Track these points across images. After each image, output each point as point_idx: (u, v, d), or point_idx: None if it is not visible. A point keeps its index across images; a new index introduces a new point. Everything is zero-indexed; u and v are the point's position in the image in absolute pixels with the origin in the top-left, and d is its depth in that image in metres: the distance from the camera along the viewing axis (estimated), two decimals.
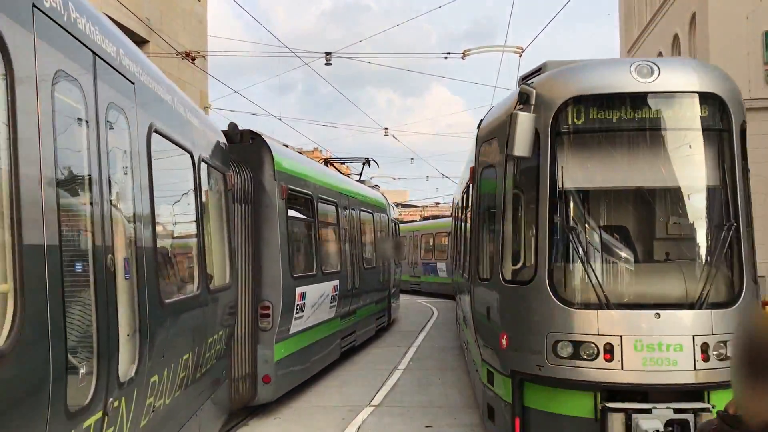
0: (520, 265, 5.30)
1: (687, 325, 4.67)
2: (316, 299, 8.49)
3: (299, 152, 10.68)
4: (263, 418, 7.25)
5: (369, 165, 15.19)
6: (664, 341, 4.60)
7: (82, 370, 2.98)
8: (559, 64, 5.46)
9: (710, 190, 5.11)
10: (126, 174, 3.66)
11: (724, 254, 4.89)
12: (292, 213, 7.72)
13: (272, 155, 7.21)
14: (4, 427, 2.32)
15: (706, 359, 4.61)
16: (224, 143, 6.18)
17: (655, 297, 4.84)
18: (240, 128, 7.24)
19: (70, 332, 2.90)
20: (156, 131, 4.05)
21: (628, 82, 4.89)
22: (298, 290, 7.66)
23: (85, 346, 3.07)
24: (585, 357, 4.73)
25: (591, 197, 5.28)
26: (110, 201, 3.34)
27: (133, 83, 3.72)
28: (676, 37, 21.38)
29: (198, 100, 16.69)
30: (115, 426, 3.29)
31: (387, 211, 15.17)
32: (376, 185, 16.25)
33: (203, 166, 5.16)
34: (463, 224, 9.79)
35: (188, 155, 4.79)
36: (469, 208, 7.72)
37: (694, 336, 4.62)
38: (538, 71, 5.63)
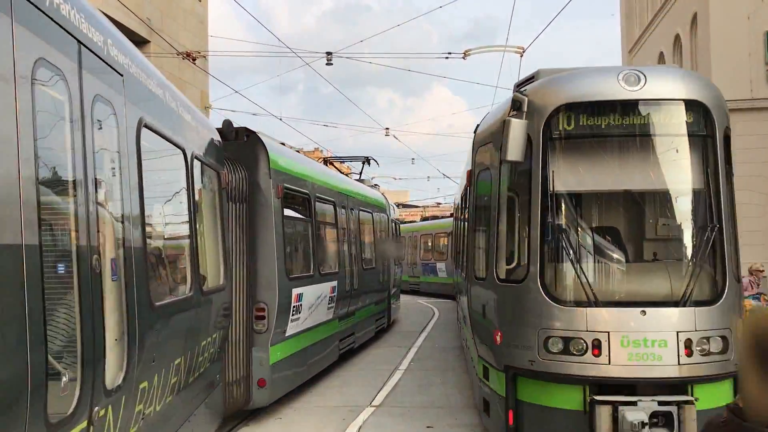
0: (513, 264, 5.51)
1: (671, 322, 4.89)
2: (314, 300, 8.33)
3: (298, 152, 10.52)
4: (264, 418, 7.19)
5: (369, 164, 15.06)
6: (649, 337, 4.83)
7: (64, 378, 2.82)
8: (551, 72, 5.65)
9: (694, 193, 5.35)
10: (114, 171, 3.50)
11: (707, 254, 5.11)
12: (288, 212, 7.55)
13: (267, 153, 7.04)
14: None
15: (689, 354, 4.84)
16: (218, 141, 6.01)
17: (641, 295, 5.09)
18: (235, 126, 7.07)
19: (52, 337, 2.73)
20: (146, 126, 3.88)
21: (616, 90, 5.13)
22: (295, 291, 7.50)
23: (69, 351, 2.90)
24: (574, 352, 4.96)
25: (581, 200, 5.51)
26: (96, 199, 3.17)
27: (121, 75, 3.56)
28: (677, 38, 21.28)
29: (199, 100, 16.62)
30: None
31: (387, 211, 15.01)
32: (376, 184, 16.10)
33: (196, 163, 4.99)
34: (462, 225, 9.88)
35: (180, 152, 4.62)
36: (467, 210, 7.93)
37: (678, 332, 4.85)
38: (531, 79, 5.80)
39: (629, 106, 5.16)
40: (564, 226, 5.27)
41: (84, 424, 2.93)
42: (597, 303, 4.99)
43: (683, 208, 5.45)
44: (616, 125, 5.20)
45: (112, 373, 3.33)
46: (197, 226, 4.98)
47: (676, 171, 5.32)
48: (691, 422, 4.74)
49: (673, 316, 4.93)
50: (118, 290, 3.47)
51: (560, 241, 5.21)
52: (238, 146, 6.90)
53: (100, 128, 3.28)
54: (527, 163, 5.24)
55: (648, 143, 5.28)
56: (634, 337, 4.85)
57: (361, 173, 15.38)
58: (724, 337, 4.97)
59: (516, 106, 5.31)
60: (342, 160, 16.52)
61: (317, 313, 8.56)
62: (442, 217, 27.57)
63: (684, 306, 4.94)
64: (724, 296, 5.02)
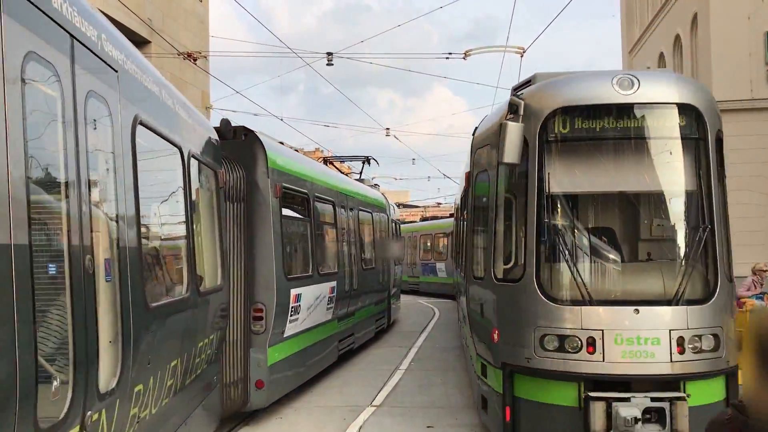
0: (511, 264, 5.62)
1: (664, 320, 5.00)
2: (312, 301, 8.25)
3: (296, 150, 10.44)
4: (264, 418, 7.15)
5: (369, 164, 14.99)
6: (642, 335, 4.94)
7: (55, 382, 2.74)
8: (548, 76, 5.79)
9: (686, 195, 5.45)
10: (108, 169, 3.42)
11: (699, 255, 5.23)
12: (286, 212, 7.47)
13: (265, 152, 6.96)
14: None
15: (681, 352, 4.94)
16: (216, 139, 5.93)
17: (634, 294, 5.19)
18: (233, 125, 6.99)
19: (43, 339, 2.66)
20: (141, 123, 3.81)
21: (610, 94, 5.25)
22: (293, 292, 7.42)
23: (60, 354, 2.83)
24: (569, 350, 5.07)
25: (576, 201, 5.63)
26: (90, 198, 3.10)
27: (116, 71, 3.48)
28: (677, 38, 21.23)
29: (200, 100, 16.61)
30: None
31: (387, 211, 14.94)
32: (376, 184, 16.03)
33: (193, 161, 4.92)
34: (462, 225, 9.91)
35: (177, 150, 4.54)
36: (466, 211, 8.10)
37: (670, 330, 4.95)
38: (528, 82, 5.93)
39: (623, 110, 5.28)
40: (559, 227, 5.40)
41: (76, 428, 2.85)
42: (591, 302, 5.11)
43: (676, 210, 5.56)
44: (611, 128, 5.32)
45: (106, 376, 3.25)
46: (194, 225, 4.91)
47: (669, 173, 5.45)
48: (683, 418, 4.83)
49: (665, 314, 5.03)
50: (113, 291, 3.39)
51: (556, 241, 5.35)
52: (235, 145, 6.82)
53: (94, 125, 3.21)
54: (524, 165, 5.36)
55: (641, 146, 5.39)
56: (628, 335, 4.95)
57: (361, 173, 15.31)
58: (715, 335, 5.06)
59: (513, 109, 5.43)
60: (342, 159, 16.45)
61: (316, 314, 8.48)
62: (442, 218, 27.72)
63: (676, 305, 5.05)
64: (715, 295, 5.11)
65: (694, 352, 4.99)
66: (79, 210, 2.95)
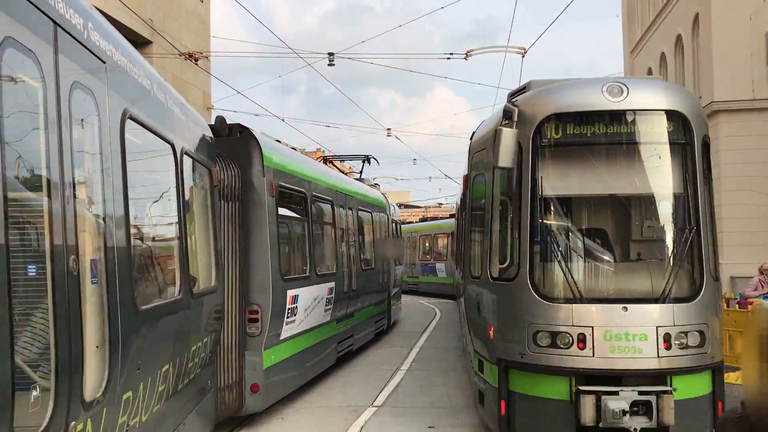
0: (506, 264, 5.82)
1: (651, 317, 5.22)
2: (310, 302, 8.09)
3: (294, 149, 10.28)
4: (265, 418, 7.08)
5: (369, 163, 14.85)
6: (630, 331, 5.17)
7: (35, 391, 2.58)
8: (542, 83, 6.05)
9: (673, 198, 5.70)
10: (94, 164, 3.26)
11: (685, 255, 5.48)
12: (283, 211, 7.30)
13: (261, 150, 6.79)
14: None
15: (668, 347, 5.17)
16: (210, 137, 5.76)
17: (623, 292, 5.43)
18: (228, 122, 6.83)
19: (21, 345, 2.50)
20: (131, 118, 3.65)
21: (600, 101, 5.50)
22: (290, 293, 7.26)
23: (41, 361, 2.66)
24: (561, 346, 5.29)
25: (567, 203, 5.87)
26: (74, 195, 2.93)
27: (104, 62, 3.32)
28: (679, 38, 21.12)
29: (201, 100, 16.54)
30: None
31: (387, 211, 14.79)
32: (376, 184, 15.89)
33: (186, 159, 4.75)
34: (461, 226, 10.00)
35: (169, 146, 4.38)
36: (465, 212, 8.31)
37: (657, 327, 5.18)
38: (523, 89, 6.18)
39: (612, 116, 5.51)
40: (552, 229, 5.67)
41: None
42: (582, 300, 5.33)
43: (663, 212, 5.80)
44: (601, 134, 5.56)
45: (92, 383, 3.09)
46: (187, 225, 4.74)
47: (657, 177, 5.67)
48: (668, 411, 5.04)
49: (653, 311, 5.25)
50: (99, 293, 3.23)
51: (548, 242, 5.60)
52: (231, 143, 6.66)
53: (79, 118, 3.05)
54: (518, 169, 5.59)
55: (630, 150, 5.63)
56: (617, 332, 5.18)
57: (361, 172, 15.17)
58: (701, 332, 5.28)
59: (507, 115, 5.66)
60: (342, 158, 16.32)
61: (314, 315, 8.32)
62: (441, 218, 27.85)
63: (663, 302, 5.27)
64: (701, 294, 5.34)
65: (681, 348, 5.21)
66: (63, 208, 2.79)
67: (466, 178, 7.57)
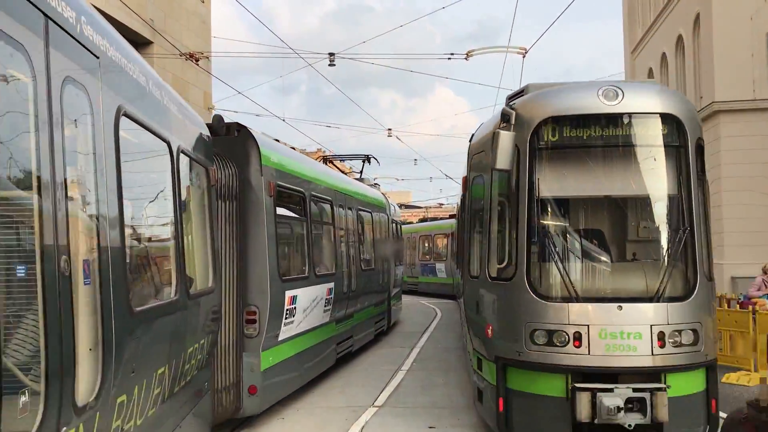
0: (504, 264, 5.93)
1: (645, 316, 5.33)
2: (309, 303, 8.01)
3: (294, 149, 10.19)
4: (266, 418, 7.06)
5: (369, 162, 14.79)
6: (625, 330, 5.28)
7: (24, 396, 2.49)
8: (539, 87, 6.19)
9: (667, 199, 5.82)
10: (88, 162, 3.17)
11: (679, 255, 5.57)
12: (281, 211, 7.21)
13: (259, 149, 6.71)
14: None
15: (662, 346, 5.27)
16: (207, 135, 5.68)
17: (618, 291, 5.57)
18: (226, 121, 6.75)
19: (9, 348, 2.42)
20: (126, 115, 3.56)
21: (596, 104, 5.61)
22: (288, 294, 7.17)
23: (31, 365, 2.58)
24: (557, 344, 5.40)
25: (564, 204, 5.99)
26: (66, 194, 2.85)
27: (97, 57, 3.24)
28: (680, 38, 21.05)
29: (202, 101, 16.51)
30: None
31: (387, 211, 14.71)
32: (376, 183, 15.81)
33: (183, 158, 4.67)
34: (462, 227, 9.94)
35: (165, 145, 4.30)
36: (464, 213, 8.45)
37: (651, 326, 5.29)
38: (521, 92, 6.31)
39: (608, 119, 5.62)
40: (548, 229, 5.79)
41: None
42: (578, 299, 5.45)
43: (658, 213, 5.92)
44: (596, 136, 5.67)
45: (85, 387, 3.00)
46: (183, 224, 4.66)
47: (651, 178, 5.78)
48: (662, 407, 5.16)
49: (647, 310, 5.36)
50: (92, 295, 3.15)
51: (545, 242, 5.72)
52: (228, 142, 6.58)
53: (72, 114, 2.96)
54: (515, 171, 5.70)
55: (625, 153, 5.75)
56: (612, 330, 5.29)
57: (361, 172, 15.09)
58: (695, 330, 5.38)
59: (505, 118, 5.79)
60: (342, 158, 16.25)
61: (313, 316, 8.24)
62: (441, 219, 27.96)
63: (657, 302, 5.38)
64: (695, 293, 5.45)
65: (674, 346, 5.32)
66: (54, 208, 2.71)
67: (466, 180, 7.71)
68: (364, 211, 12.07)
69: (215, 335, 5.74)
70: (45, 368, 2.60)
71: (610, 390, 5.19)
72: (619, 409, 5.11)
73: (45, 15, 2.69)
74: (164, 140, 4.28)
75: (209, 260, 5.38)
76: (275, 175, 7.07)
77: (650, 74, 24.20)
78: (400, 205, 23.69)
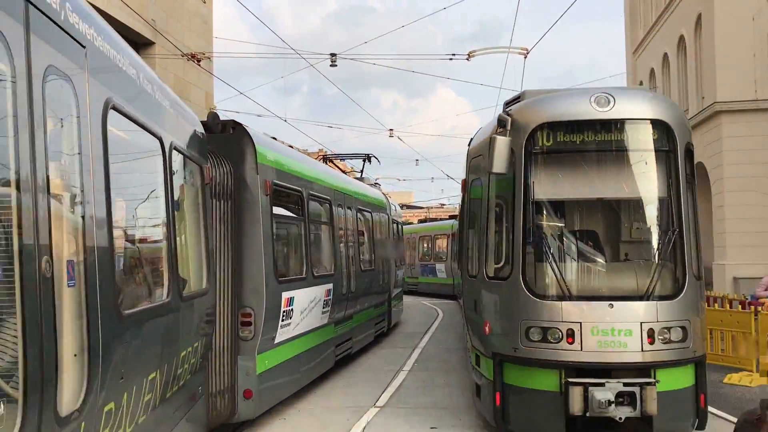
0: (501, 264, 6.16)
1: (636, 314, 5.54)
2: (306, 304, 7.85)
3: (291, 147, 10.04)
4: (267, 419, 7.01)
5: (369, 162, 14.64)
6: (616, 327, 5.49)
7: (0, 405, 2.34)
8: (535, 93, 6.46)
9: (656, 201, 6.06)
10: (73, 157, 3.01)
11: (668, 255, 5.81)
12: (277, 210, 7.04)
13: (254, 146, 6.53)
14: None
15: (651, 342, 5.50)
16: (201, 132, 5.51)
17: (609, 290, 5.80)
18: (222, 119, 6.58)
19: None
20: (114, 108, 3.40)
21: (588, 110, 5.84)
22: (285, 295, 7.01)
23: (8, 373, 2.42)
24: (551, 340, 5.62)
25: (558, 207, 6.24)
26: (48, 190, 2.69)
27: (84, 47, 3.07)
28: (681, 38, 20.93)
29: (203, 101, 16.43)
30: None
31: (387, 210, 14.55)
32: (377, 183, 15.66)
33: (175, 154, 4.50)
34: (462, 227, 10.02)
35: (157, 141, 4.13)
36: (463, 214, 8.71)
37: (641, 323, 5.50)
38: (518, 98, 6.58)
39: (599, 125, 5.86)
40: (543, 230, 6.02)
41: None
42: (571, 297, 5.67)
43: (648, 214, 6.18)
44: (589, 141, 5.91)
45: (69, 395, 2.84)
46: (176, 224, 4.49)
47: (642, 182, 6.03)
48: (651, 401, 5.37)
49: (637, 308, 5.58)
50: (77, 297, 2.98)
51: (540, 243, 5.94)
52: (223, 139, 6.41)
53: (54, 106, 2.80)
54: (511, 174, 5.93)
55: (616, 157, 6.01)
56: (603, 327, 5.50)
57: (362, 171, 14.94)
58: (683, 328, 5.60)
59: (501, 124, 6.02)
60: (342, 157, 16.12)
61: (310, 318, 8.08)
62: (441, 219, 28.01)
63: (647, 300, 5.61)
64: (683, 292, 5.66)
65: (664, 343, 5.53)
66: (35, 206, 2.54)
67: (465, 182, 7.97)
68: (364, 210, 11.91)
69: (209, 338, 5.58)
70: (23, 376, 2.44)
71: (602, 384, 5.40)
72: (610, 402, 5.32)
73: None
74: (156, 136, 4.11)
75: (203, 261, 5.21)
76: (272, 174, 6.91)
77: (652, 74, 24.08)
78: (402, 206, 23.69)
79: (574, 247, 6.10)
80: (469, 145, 7.71)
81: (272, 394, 6.97)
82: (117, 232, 3.54)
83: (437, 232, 25.34)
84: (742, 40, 17.81)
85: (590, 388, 5.40)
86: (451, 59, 13.69)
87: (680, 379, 5.65)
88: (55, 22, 2.78)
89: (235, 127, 6.60)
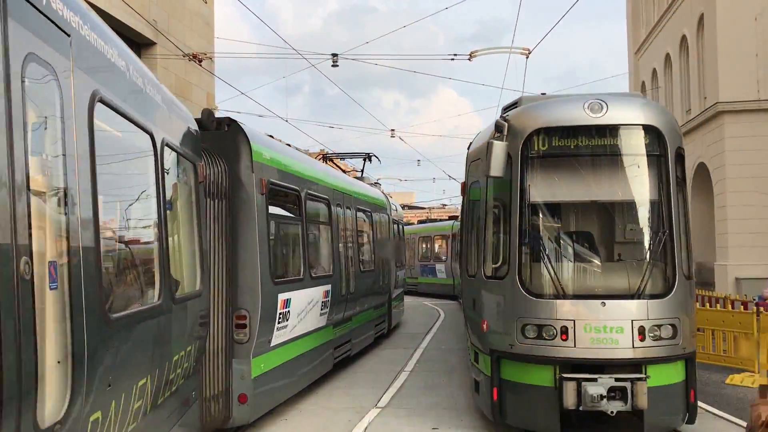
0: (498, 264, 6.36)
1: (627, 312, 5.75)
2: (304, 306, 7.68)
3: (289, 146, 9.86)
4: (268, 419, 7.00)
5: (370, 161, 14.48)
6: (608, 324, 5.70)
7: None
8: (531, 99, 6.78)
9: (648, 204, 6.27)
10: (56, 151, 2.84)
11: (659, 255, 6.02)
12: (273, 210, 6.88)
13: (249, 144, 6.37)
14: None
15: (642, 339, 5.70)
16: (195, 129, 5.33)
17: (601, 289, 6.02)
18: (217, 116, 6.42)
19: None
20: (102, 101, 3.23)
21: (582, 116, 6.08)
22: (281, 297, 6.84)
23: None
24: (546, 337, 5.82)
25: (553, 209, 6.44)
26: (28, 187, 2.52)
27: (68, 35, 2.91)
28: (683, 38, 20.81)
29: (205, 102, 16.36)
30: None
31: (387, 210, 14.38)
32: (377, 182, 15.50)
33: (167, 151, 4.33)
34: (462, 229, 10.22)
35: (148, 137, 3.96)
36: (463, 215, 9.03)
37: (632, 321, 5.71)
38: (515, 104, 6.85)
39: (592, 130, 6.10)
40: (538, 231, 6.25)
41: None
42: (565, 296, 5.90)
43: (639, 216, 6.41)
44: (583, 146, 6.14)
45: (51, 405, 2.67)
46: (168, 223, 4.32)
47: (633, 185, 6.25)
48: (642, 396, 5.57)
49: (629, 306, 5.78)
50: (60, 301, 2.81)
51: (535, 243, 6.17)
52: (218, 136, 6.25)
53: (35, 96, 2.64)
54: (508, 178, 6.14)
55: (609, 161, 6.24)
56: (596, 324, 5.71)
57: (362, 170, 14.78)
58: (673, 325, 5.79)
59: (499, 129, 6.23)
60: (342, 156, 15.97)
61: (308, 320, 7.92)
62: (440, 220, 28.10)
63: (638, 298, 5.82)
64: (673, 291, 5.87)
65: (654, 340, 5.72)
66: (12, 204, 2.38)
67: (464, 185, 8.27)
68: (363, 210, 11.74)
69: (203, 341, 5.41)
70: None
71: (594, 380, 5.61)
72: (602, 397, 5.54)
73: None
74: (147, 131, 3.94)
75: (197, 262, 5.04)
76: (267, 172, 6.74)
77: (654, 75, 23.95)
78: (404, 206, 23.62)
79: (568, 248, 6.33)
80: (468, 148, 7.99)
81: (268, 398, 6.80)
82: (104, 232, 3.37)
83: (437, 233, 25.44)
84: (745, 40, 17.71)
85: (583, 383, 5.60)
86: (452, 59, 13.61)
87: (670, 374, 5.85)
88: (35, 7, 2.61)
89: (230, 124, 6.44)
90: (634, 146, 6.16)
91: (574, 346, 5.71)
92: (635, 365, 5.71)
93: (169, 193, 4.43)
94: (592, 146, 6.14)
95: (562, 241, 6.35)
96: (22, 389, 2.39)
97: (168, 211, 4.36)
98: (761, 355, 8.98)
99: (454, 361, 10.68)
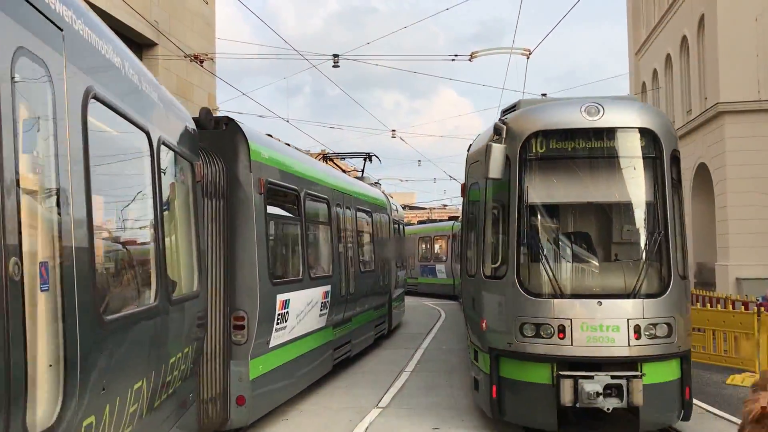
0: (497, 264, 6.47)
1: (623, 311, 5.85)
2: (303, 307, 7.61)
3: (288, 145, 9.79)
4: (269, 420, 6.99)
5: (370, 161, 14.44)
6: (604, 323, 5.80)
7: None
8: (530, 103, 6.97)
9: (644, 205, 6.38)
10: (47, 149, 2.77)
11: (654, 256, 6.12)
12: (272, 210, 6.80)
13: (247, 143, 6.30)
14: None
15: (638, 337, 5.80)
16: (193, 128, 5.25)
17: (598, 288, 6.12)
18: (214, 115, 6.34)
19: None
20: (96, 98, 3.16)
21: (578, 119, 6.20)
22: (280, 297, 6.76)
23: None
24: (544, 336, 5.92)
25: (550, 210, 6.56)
26: (18, 186, 2.45)
27: (61, 30, 2.83)
28: (684, 39, 20.76)
29: (206, 102, 16.32)
30: None
31: (388, 210, 14.31)
32: (377, 182, 15.43)
33: (164, 150, 4.25)
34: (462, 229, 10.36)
35: (144, 135, 3.89)
36: (463, 217, 9.19)
37: (628, 319, 5.81)
38: (513, 107, 7.05)
39: (589, 133, 6.21)
40: (536, 232, 6.39)
41: None
42: (562, 295, 6.00)
43: (635, 217, 6.52)
44: (580, 148, 6.26)
45: (42, 410, 2.59)
46: (165, 223, 4.24)
47: (629, 187, 6.36)
48: (637, 393, 5.68)
49: (625, 306, 5.88)
50: (52, 302, 2.73)
51: (533, 244, 6.29)
52: (215, 135, 6.18)
53: (26, 91, 2.56)
54: (507, 179, 6.24)
55: (605, 163, 6.36)
56: (592, 323, 5.81)
57: (363, 170, 14.72)
58: (668, 324, 5.88)
59: (497, 132, 6.33)
60: (342, 156, 15.91)
61: (307, 321, 7.84)
62: (440, 220, 28.12)
63: (634, 298, 5.92)
64: (668, 290, 5.97)
65: (649, 338, 5.82)
66: (1, 203, 2.30)
67: (464, 187, 8.42)
68: (363, 210, 11.67)
69: (201, 342, 5.34)
70: None
71: (591, 377, 5.71)
72: (598, 394, 5.65)
73: None
74: (143, 129, 3.87)
75: (194, 262, 4.97)
76: (266, 172, 6.67)
77: (655, 75, 23.91)
78: (404, 207, 23.59)
79: (565, 248, 6.46)
80: (468, 150, 8.15)
81: (266, 400, 6.72)
82: (99, 232, 3.29)
83: (437, 233, 25.47)
84: (745, 40, 17.67)
85: (580, 381, 5.71)
86: (453, 60, 13.58)
87: (666, 372, 5.96)
88: (27, 1, 2.54)
89: (228, 123, 6.37)
90: (630, 148, 6.28)
91: (572, 345, 5.81)
92: (631, 363, 5.81)
93: (165, 193, 4.36)
94: (588, 149, 6.25)
95: (559, 242, 6.48)
96: (11, 394, 2.32)
97: (165, 211, 4.28)
98: (762, 355, 8.94)
99: (454, 361, 10.66)
